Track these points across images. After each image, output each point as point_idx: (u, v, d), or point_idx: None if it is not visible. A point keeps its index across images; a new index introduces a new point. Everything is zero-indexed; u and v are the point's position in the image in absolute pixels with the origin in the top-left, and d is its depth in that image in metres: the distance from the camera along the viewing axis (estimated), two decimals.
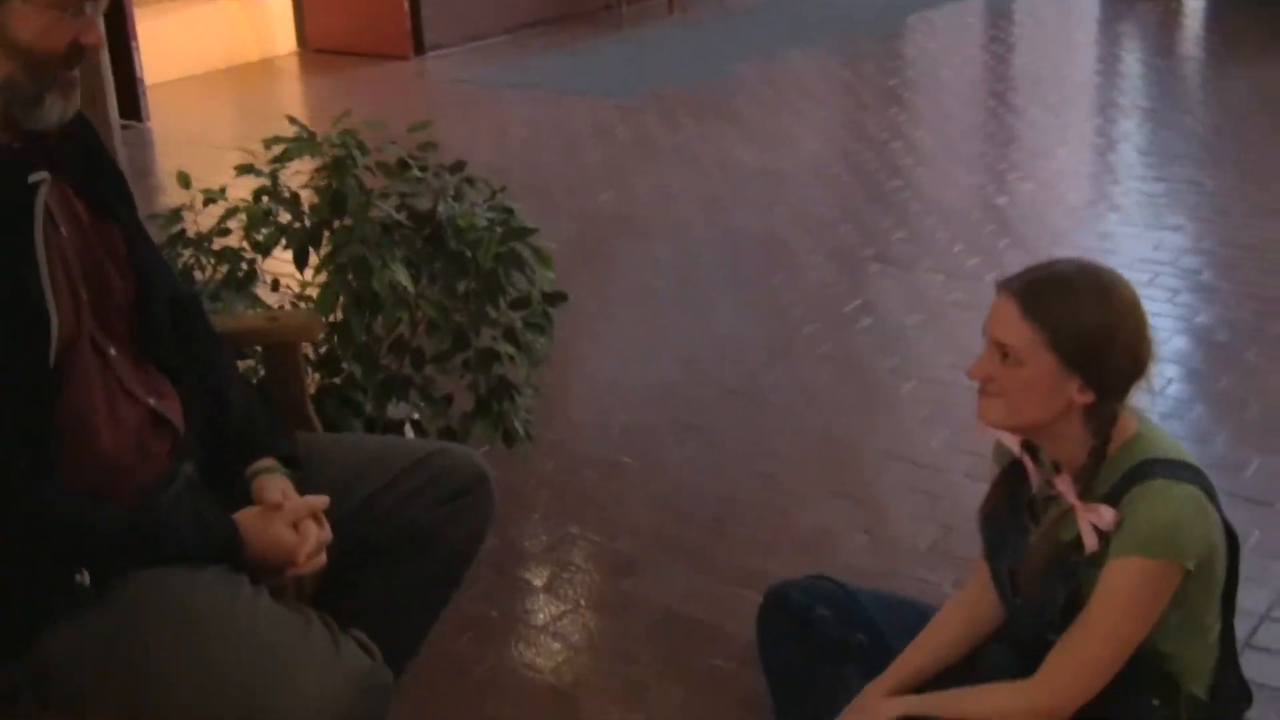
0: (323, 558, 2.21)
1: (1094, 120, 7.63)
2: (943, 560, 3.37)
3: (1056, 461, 2.38)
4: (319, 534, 2.21)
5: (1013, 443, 2.45)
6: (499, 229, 3.03)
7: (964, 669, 2.56)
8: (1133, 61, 9.11)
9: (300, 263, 3.06)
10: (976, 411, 2.36)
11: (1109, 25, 10.06)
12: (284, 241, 3.08)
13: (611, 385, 4.26)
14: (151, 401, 2.25)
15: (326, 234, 3.02)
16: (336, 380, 3.05)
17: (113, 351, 2.22)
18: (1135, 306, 2.29)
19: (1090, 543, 2.25)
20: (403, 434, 3.13)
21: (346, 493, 2.37)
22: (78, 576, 2.06)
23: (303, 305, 3.11)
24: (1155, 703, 2.37)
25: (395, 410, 3.07)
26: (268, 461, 2.33)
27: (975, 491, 3.50)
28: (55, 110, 2.10)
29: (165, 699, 2.02)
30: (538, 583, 3.27)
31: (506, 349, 2.99)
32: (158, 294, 2.34)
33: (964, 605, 2.61)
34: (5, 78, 2.04)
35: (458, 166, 3.31)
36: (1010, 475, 2.49)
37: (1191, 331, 4.66)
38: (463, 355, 3.10)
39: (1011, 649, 2.54)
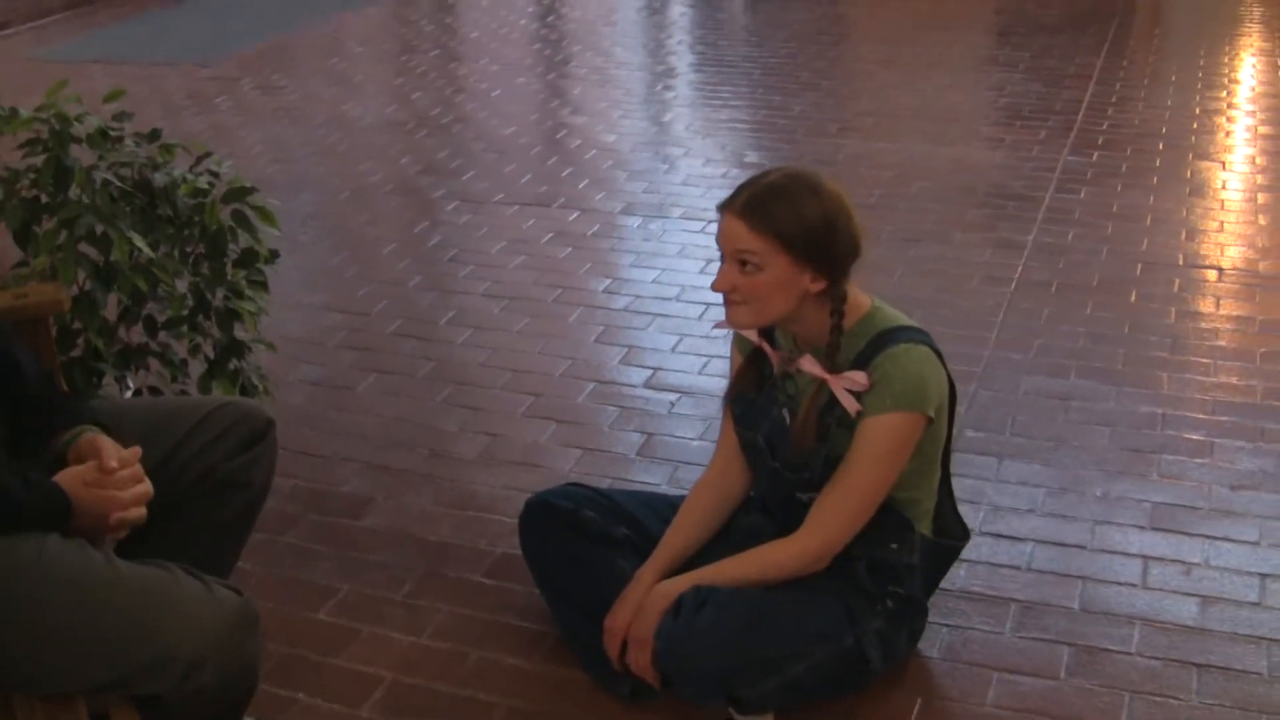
0: (144, 509, 2.27)
1: (654, 56, 8.19)
2: (651, 464, 3.67)
3: (799, 342, 2.70)
4: (144, 490, 2.27)
5: (751, 334, 2.76)
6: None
7: (719, 543, 2.86)
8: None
9: (23, 240, 3.01)
10: (726, 318, 2.67)
11: None
12: None
13: (291, 340, 4.31)
14: None
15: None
16: (76, 354, 3.03)
17: None
18: (842, 196, 2.64)
19: (851, 405, 2.59)
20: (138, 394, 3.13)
21: (146, 449, 2.42)
22: None
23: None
24: (894, 546, 2.74)
25: (134, 379, 3.07)
26: (83, 427, 2.36)
27: (657, 399, 3.87)
28: None
29: (49, 667, 2.06)
30: (286, 540, 3.34)
31: (246, 306, 3.05)
32: None
33: (711, 484, 2.92)
34: None
35: (154, 134, 3.32)
36: (754, 360, 2.80)
37: None
38: (193, 319, 3.13)
39: (764, 513, 2.86)
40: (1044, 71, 7.28)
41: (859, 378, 2.60)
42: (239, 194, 3.14)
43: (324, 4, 9.18)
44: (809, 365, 2.66)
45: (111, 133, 3.24)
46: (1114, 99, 6.79)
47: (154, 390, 3.23)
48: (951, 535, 2.90)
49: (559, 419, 3.89)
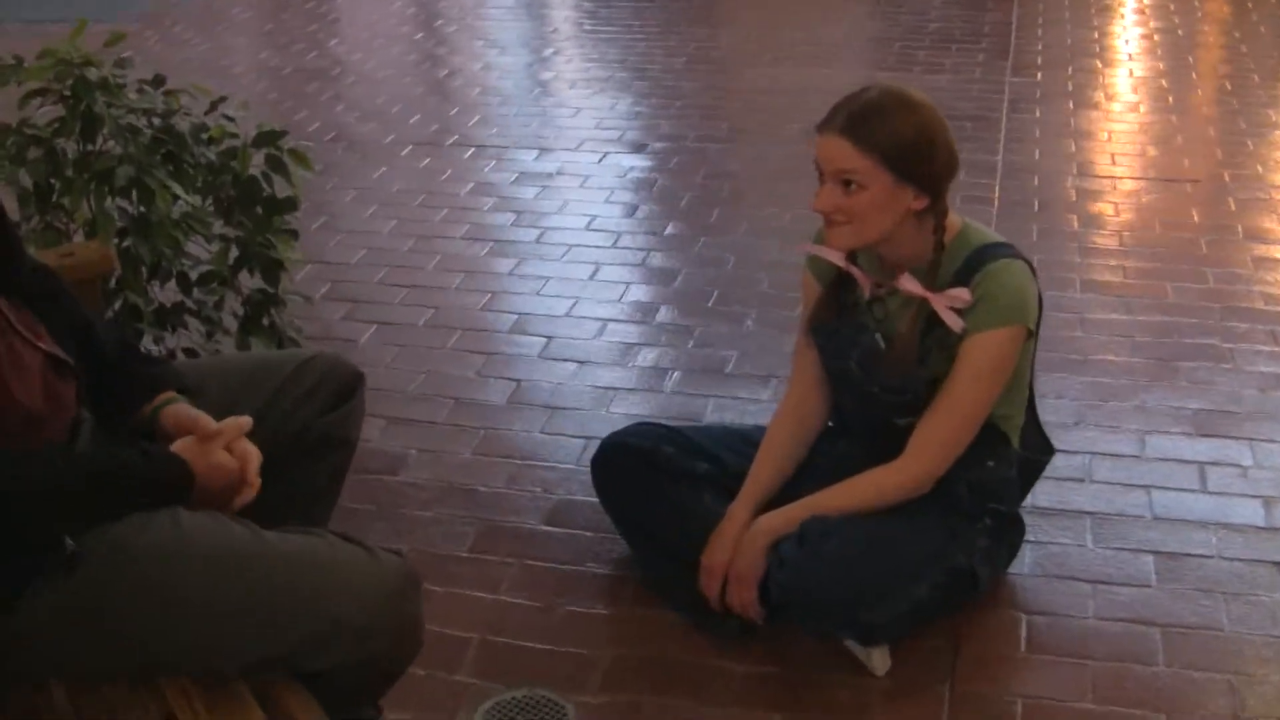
0: (259, 481, 2.15)
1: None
2: (688, 399, 3.58)
3: (887, 263, 2.64)
4: (257, 453, 2.14)
5: (836, 257, 2.68)
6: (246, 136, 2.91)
7: (804, 474, 2.80)
8: None
9: (45, 196, 2.80)
10: (826, 240, 2.59)
11: None
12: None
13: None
14: (43, 345, 2.07)
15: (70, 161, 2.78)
16: (112, 315, 2.84)
17: None
18: (936, 110, 2.57)
19: (955, 324, 2.54)
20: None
21: (234, 412, 2.29)
22: (65, 541, 1.90)
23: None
24: (990, 464, 2.71)
25: (172, 340, 2.89)
26: (168, 394, 2.21)
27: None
28: None
29: (202, 650, 1.92)
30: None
31: (289, 255, 2.88)
32: (6, 237, 2.15)
33: (791, 414, 2.85)
34: None
35: (159, 80, 3.12)
36: (835, 286, 2.73)
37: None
38: (233, 272, 2.96)
39: (850, 441, 2.80)
40: None
41: (963, 294, 2.55)
42: (270, 138, 2.97)
43: None
44: (909, 284, 2.59)
45: (116, 79, 3.04)
46: (1040, 20, 6.83)
47: (189, 352, 3.05)
48: (1037, 449, 2.88)
49: (579, 360, 3.77)
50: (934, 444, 2.62)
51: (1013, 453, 2.74)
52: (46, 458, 1.96)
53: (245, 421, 2.16)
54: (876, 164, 2.49)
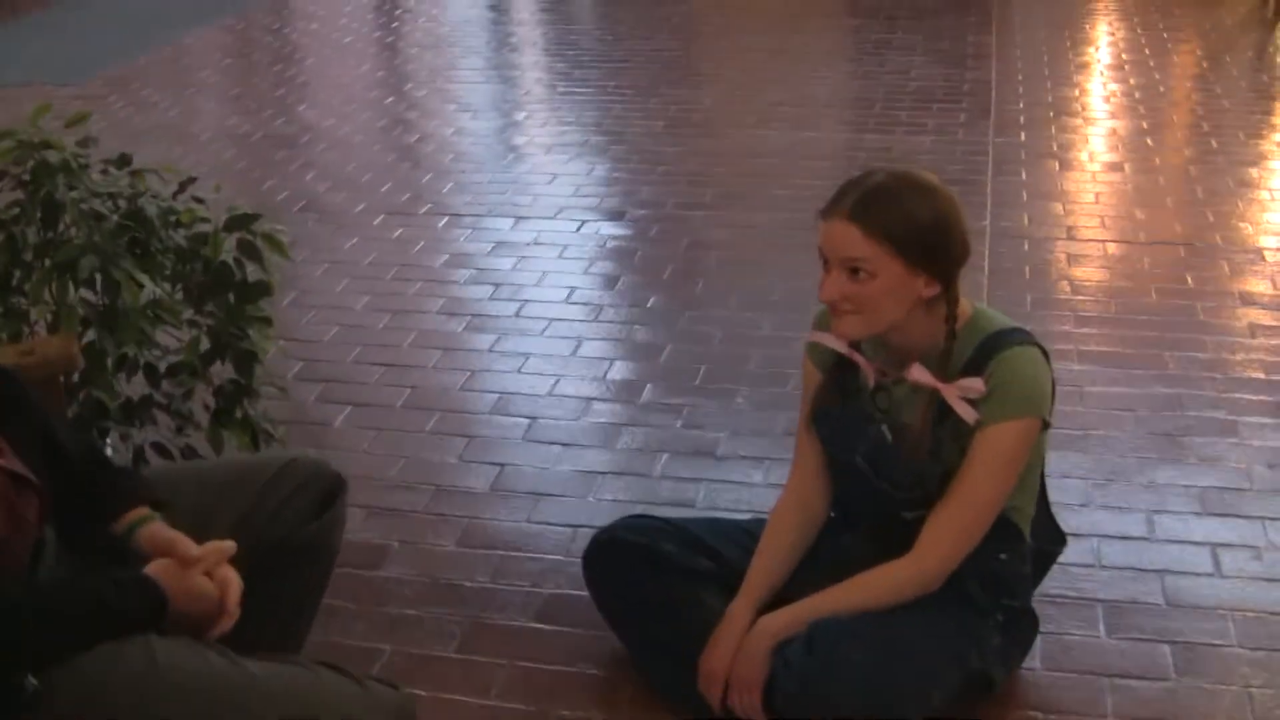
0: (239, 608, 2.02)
1: (532, 56, 7.96)
2: (679, 485, 3.44)
3: (893, 350, 2.52)
4: (238, 581, 2.01)
5: (838, 344, 2.57)
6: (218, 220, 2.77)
7: (806, 567, 2.67)
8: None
9: (4, 284, 2.66)
10: (833, 329, 2.48)
11: None
12: None
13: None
14: (2, 462, 1.93)
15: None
16: (75, 412, 2.69)
17: None
18: (951, 195, 2.47)
19: (969, 415, 2.42)
20: (146, 462, 2.81)
21: (211, 520, 2.18)
22: (26, 680, 1.75)
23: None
24: (1003, 556, 2.59)
25: (139, 435, 2.75)
26: (142, 510, 2.07)
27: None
28: None
29: None
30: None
31: (263, 344, 2.74)
32: None
33: (793, 507, 2.72)
34: None
35: (124, 160, 2.99)
36: (836, 373, 2.61)
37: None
38: (205, 364, 2.82)
39: (854, 534, 2.67)
40: (942, 54, 7.24)
41: (976, 384, 2.43)
42: (242, 222, 2.83)
43: (172, 20, 8.72)
44: (920, 375, 2.47)
45: (79, 161, 2.90)
46: (1020, 77, 6.77)
47: (158, 447, 2.90)
48: (1049, 539, 2.76)
49: (563, 442, 3.64)
50: (948, 538, 2.50)
51: (1025, 545, 2.62)
52: (2, 590, 1.82)
53: (228, 546, 2.03)
54: (886, 251, 2.37)
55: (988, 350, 2.46)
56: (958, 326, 2.47)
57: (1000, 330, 2.49)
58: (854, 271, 2.39)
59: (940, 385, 2.45)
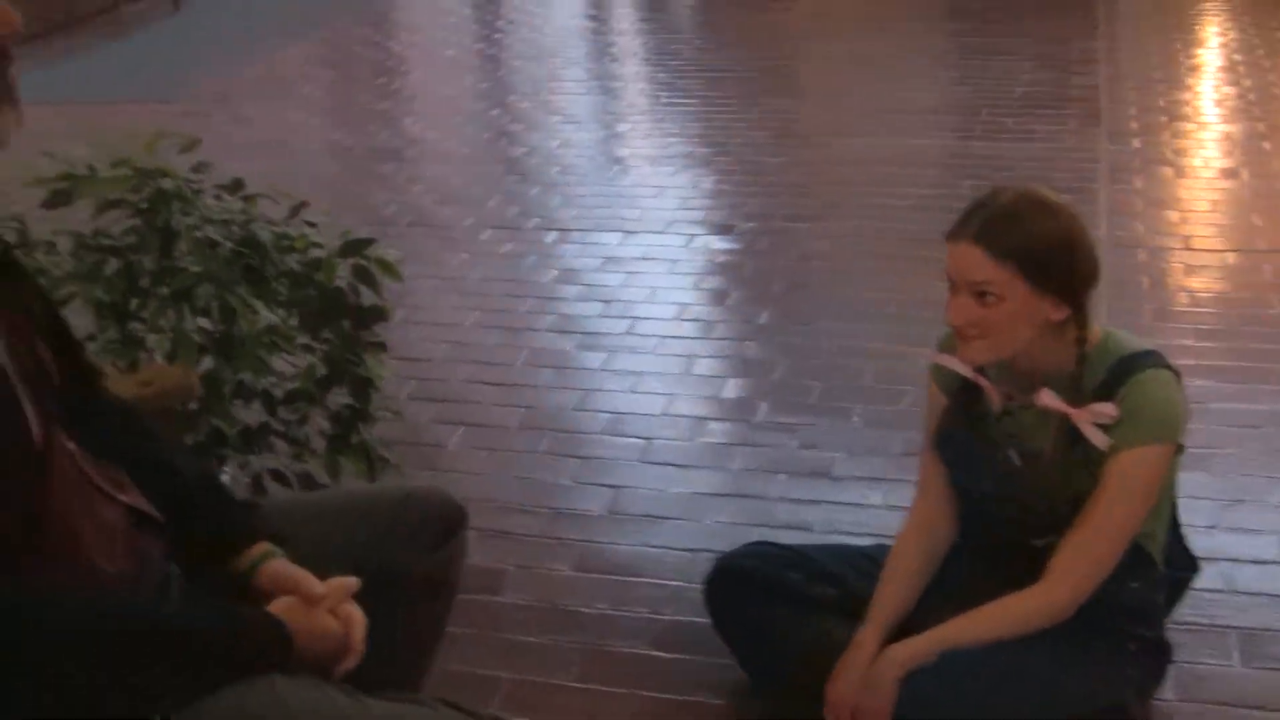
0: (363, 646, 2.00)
1: (634, 68, 7.91)
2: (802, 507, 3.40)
3: (1019, 373, 2.46)
4: (363, 618, 1.99)
5: (963, 368, 2.52)
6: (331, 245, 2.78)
7: (931, 594, 2.62)
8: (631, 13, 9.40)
9: (121, 316, 2.68)
10: (960, 354, 2.43)
11: None
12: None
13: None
14: (124, 498, 1.93)
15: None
16: (194, 440, 2.71)
17: (71, 445, 1.88)
18: (1076, 215, 2.41)
19: (1101, 441, 2.36)
20: (264, 490, 2.82)
21: (328, 554, 2.14)
22: None
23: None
24: (1134, 585, 2.52)
25: (257, 462, 2.76)
26: (264, 546, 2.06)
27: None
28: None
29: None
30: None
31: (377, 370, 2.75)
32: (85, 372, 2.02)
33: (918, 532, 2.67)
34: None
35: (237, 185, 3.01)
36: (961, 397, 2.56)
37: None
38: (322, 390, 2.82)
39: (980, 560, 2.62)
40: (1046, 58, 7.12)
41: (1108, 409, 2.37)
42: (356, 247, 2.83)
43: (271, 34, 8.83)
44: (1049, 400, 2.42)
45: (192, 186, 2.93)
46: (1129, 81, 6.64)
47: (276, 474, 2.91)
48: (1181, 565, 2.69)
49: (678, 464, 3.61)
50: (1080, 566, 2.44)
51: (1157, 572, 2.56)
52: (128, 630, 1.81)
53: (351, 583, 2.01)
54: (1013, 274, 2.32)
55: (1120, 374, 2.40)
56: (1088, 349, 2.42)
57: (1133, 353, 2.43)
58: (981, 295, 2.34)
59: (1071, 411, 2.40)
